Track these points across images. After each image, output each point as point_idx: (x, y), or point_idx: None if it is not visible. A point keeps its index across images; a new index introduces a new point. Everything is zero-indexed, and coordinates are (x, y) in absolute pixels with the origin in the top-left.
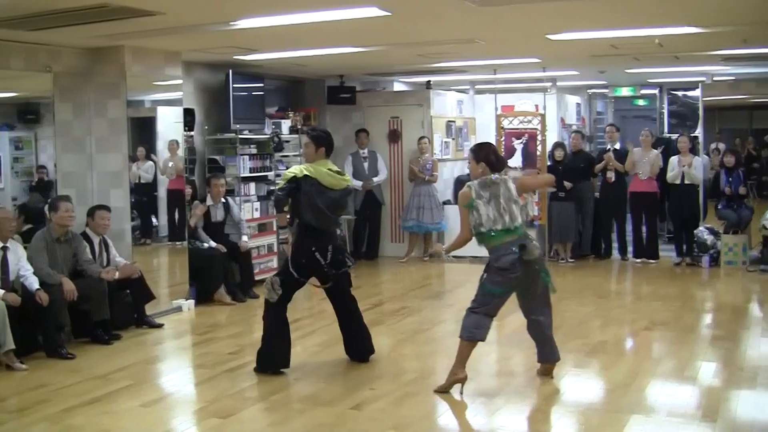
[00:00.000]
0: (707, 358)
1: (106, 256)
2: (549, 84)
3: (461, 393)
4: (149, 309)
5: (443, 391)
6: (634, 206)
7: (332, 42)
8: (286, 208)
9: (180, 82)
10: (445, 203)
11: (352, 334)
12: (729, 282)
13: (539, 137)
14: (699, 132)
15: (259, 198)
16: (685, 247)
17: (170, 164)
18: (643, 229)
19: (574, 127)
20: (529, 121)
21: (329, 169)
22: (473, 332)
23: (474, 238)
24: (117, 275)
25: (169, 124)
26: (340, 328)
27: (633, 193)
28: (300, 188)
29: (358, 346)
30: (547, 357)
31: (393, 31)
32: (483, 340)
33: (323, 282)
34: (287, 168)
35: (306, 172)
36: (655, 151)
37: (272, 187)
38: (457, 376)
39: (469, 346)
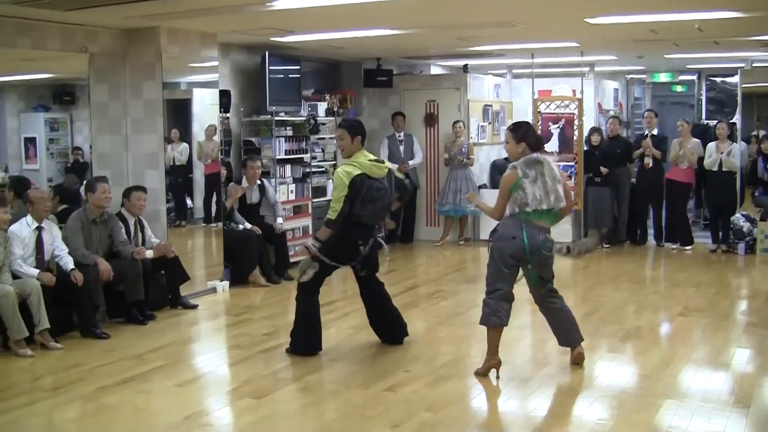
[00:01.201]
0: (742, 345)
1: (141, 236)
2: (587, 69)
3: (497, 377)
4: (184, 290)
5: (481, 374)
6: (668, 192)
7: (369, 24)
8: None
9: (216, 63)
10: (481, 187)
11: (383, 318)
12: (765, 269)
13: (576, 122)
14: (737, 118)
15: (295, 180)
16: (721, 234)
17: (207, 148)
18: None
19: (612, 113)
20: (566, 106)
21: (370, 160)
22: (492, 319)
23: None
24: (151, 254)
25: (204, 107)
26: (368, 313)
27: (669, 180)
28: (355, 185)
29: (390, 329)
30: (566, 339)
31: (430, 14)
32: (505, 324)
33: (356, 269)
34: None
35: (357, 170)
36: (696, 140)
37: (308, 170)
38: (491, 362)
39: (495, 332)
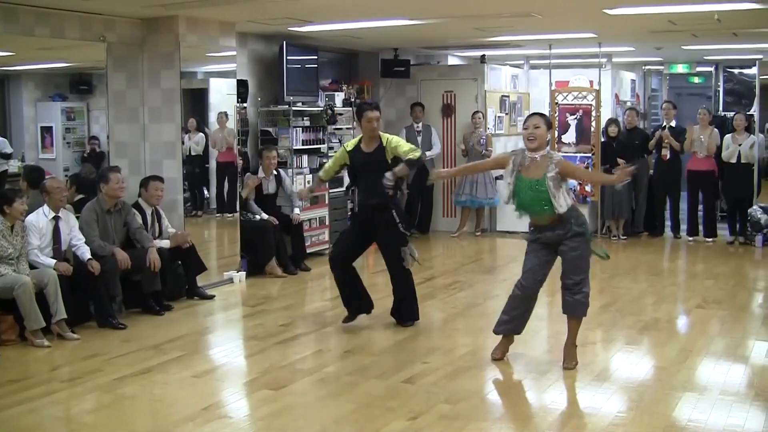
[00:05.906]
0: (760, 337)
1: (158, 226)
2: (604, 60)
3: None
4: (201, 280)
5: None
6: (691, 184)
7: (387, 14)
8: None
9: (234, 53)
10: (497, 178)
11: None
12: None
13: (593, 113)
14: (755, 110)
15: (312, 170)
16: (738, 225)
17: (219, 136)
18: (700, 207)
19: (629, 104)
20: (584, 97)
21: None
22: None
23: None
24: (168, 244)
25: (222, 96)
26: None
27: (691, 171)
28: None
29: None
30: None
31: (449, 4)
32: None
33: None
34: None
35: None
36: (715, 129)
37: (325, 160)
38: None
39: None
